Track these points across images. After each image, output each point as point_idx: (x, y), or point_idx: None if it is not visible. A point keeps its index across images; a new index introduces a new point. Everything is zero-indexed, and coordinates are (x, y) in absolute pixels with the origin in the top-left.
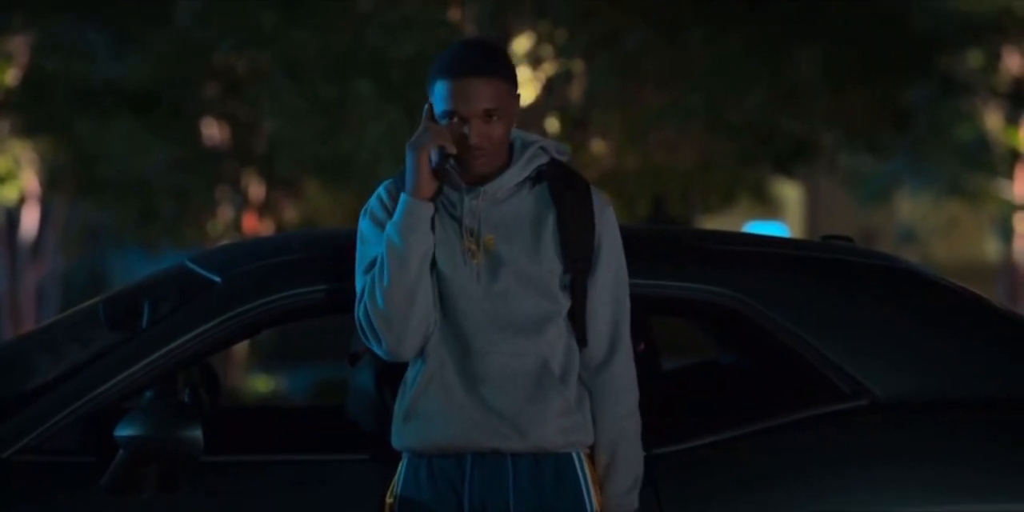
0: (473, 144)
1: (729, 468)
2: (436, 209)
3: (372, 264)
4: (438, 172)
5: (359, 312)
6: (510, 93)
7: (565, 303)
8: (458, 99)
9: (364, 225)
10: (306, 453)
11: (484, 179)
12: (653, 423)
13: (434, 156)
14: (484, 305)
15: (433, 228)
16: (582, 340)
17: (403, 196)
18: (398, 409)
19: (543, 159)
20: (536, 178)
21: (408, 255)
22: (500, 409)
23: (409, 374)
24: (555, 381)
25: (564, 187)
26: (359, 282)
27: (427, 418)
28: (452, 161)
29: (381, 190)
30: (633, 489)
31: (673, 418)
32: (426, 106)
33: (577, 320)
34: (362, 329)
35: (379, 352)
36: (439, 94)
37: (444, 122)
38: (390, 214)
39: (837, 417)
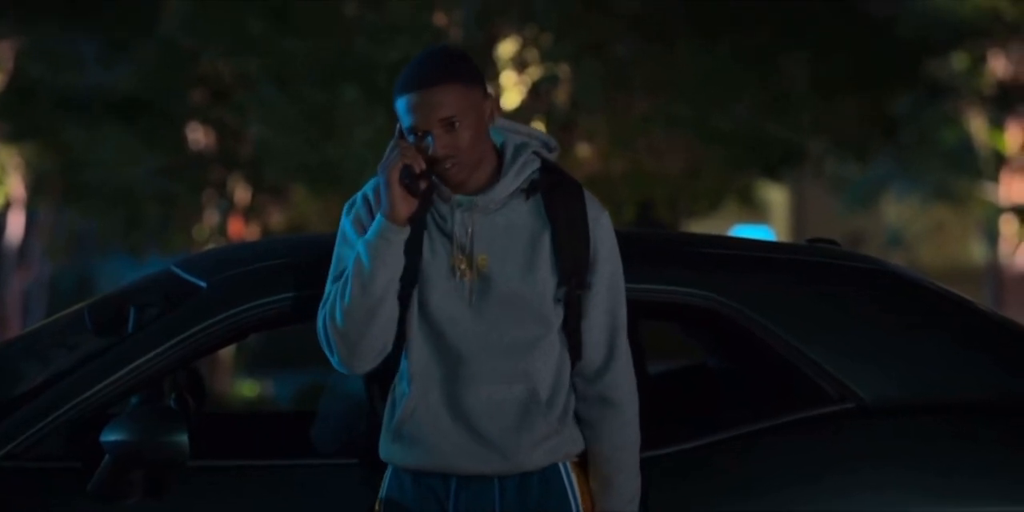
0: (440, 156)
1: (716, 471)
2: (426, 225)
3: (343, 272)
4: (412, 190)
5: (319, 319)
6: (470, 95)
7: (556, 321)
8: (414, 113)
9: (346, 223)
10: (292, 458)
11: (476, 187)
12: (641, 427)
13: (404, 175)
14: (476, 328)
15: (422, 247)
16: (577, 354)
17: (378, 217)
18: (386, 425)
19: (535, 164)
20: (530, 189)
21: (372, 280)
22: (487, 437)
23: (397, 390)
24: (542, 407)
25: (559, 198)
26: (328, 287)
27: (414, 442)
28: (418, 181)
29: (368, 189)
30: (634, 498)
31: (660, 422)
32: (397, 125)
33: (572, 332)
34: (320, 335)
35: (332, 361)
36: (400, 112)
37: (411, 139)
38: (371, 214)
39: (824, 420)
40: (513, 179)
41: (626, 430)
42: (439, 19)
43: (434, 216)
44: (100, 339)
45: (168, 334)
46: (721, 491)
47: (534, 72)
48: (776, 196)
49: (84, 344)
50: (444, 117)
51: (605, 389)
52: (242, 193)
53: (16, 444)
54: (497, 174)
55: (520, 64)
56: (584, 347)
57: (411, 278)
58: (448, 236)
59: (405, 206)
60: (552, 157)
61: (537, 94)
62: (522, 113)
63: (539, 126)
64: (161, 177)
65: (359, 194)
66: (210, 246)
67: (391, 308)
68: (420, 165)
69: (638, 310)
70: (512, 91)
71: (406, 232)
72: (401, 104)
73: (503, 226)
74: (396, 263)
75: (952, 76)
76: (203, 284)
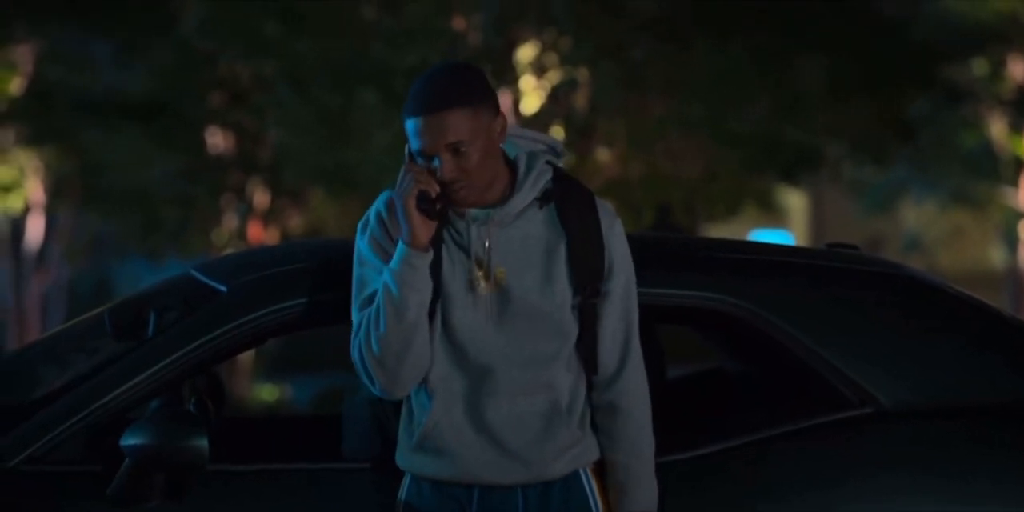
0: (446, 180)
1: (734, 477)
2: (443, 240)
3: (369, 298)
4: (430, 214)
5: (353, 350)
6: (478, 118)
7: (574, 331)
8: (421, 137)
9: (362, 245)
10: (311, 462)
11: (491, 201)
12: (658, 431)
13: (420, 201)
14: (496, 341)
15: (442, 262)
16: (592, 363)
17: (400, 244)
18: (406, 436)
19: (549, 174)
20: (543, 198)
21: (405, 306)
22: (511, 449)
23: (415, 402)
24: (564, 417)
25: (572, 208)
26: (355, 315)
27: (436, 454)
28: (434, 204)
29: (380, 205)
30: (652, 504)
31: (679, 426)
32: (406, 147)
33: (587, 342)
34: (357, 366)
35: (372, 390)
36: (408, 133)
37: (420, 160)
38: (388, 234)
39: (843, 425)
40: (528, 192)
41: (639, 436)
42: (457, 24)
43: (451, 231)
44: (120, 343)
45: (188, 338)
46: (740, 496)
47: (553, 77)
48: (795, 201)
49: (104, 348)
50: (450, 143)
51: (616, 396)
52: (261, 197)
53: (36, 448)
54: (511, 187)
55: (539, 69)
56: (598, 355)
57: (433, 293)
58: (465, 251)
59: (425, 231)
60: (560, 162)
61: (556, 99)
62: (541, 118)
63: (558, 131)
64: (179, 180)
65: (372, 212)
66: (229, 250)
67: (425, 331)
68: (435, 189)
69: (656, 315)
70: (531, 96)
71: (430, 255)
72: (409, 126)
73: (519, 238)
74: (425, 287)
75: (971, 80)
76: (223, 288)
